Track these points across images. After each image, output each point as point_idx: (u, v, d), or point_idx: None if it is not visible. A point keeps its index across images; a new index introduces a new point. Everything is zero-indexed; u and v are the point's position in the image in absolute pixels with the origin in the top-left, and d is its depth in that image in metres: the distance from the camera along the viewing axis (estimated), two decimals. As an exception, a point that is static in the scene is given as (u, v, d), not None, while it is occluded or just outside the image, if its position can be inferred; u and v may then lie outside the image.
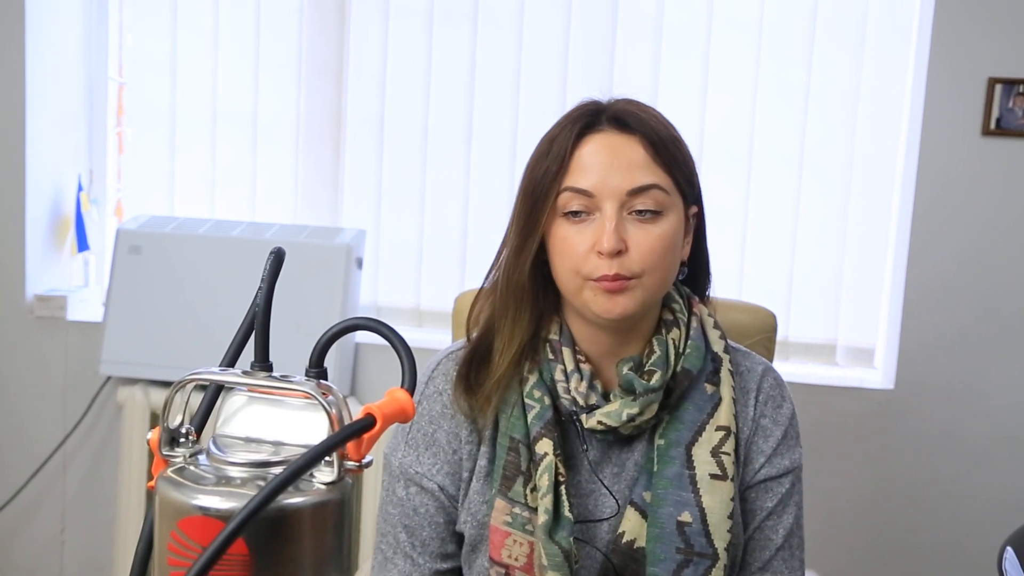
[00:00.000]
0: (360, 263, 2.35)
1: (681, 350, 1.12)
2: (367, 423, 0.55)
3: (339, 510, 0.56)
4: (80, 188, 2.54)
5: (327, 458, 0.56)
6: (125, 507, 2.40)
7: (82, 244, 2.55)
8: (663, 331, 1.13)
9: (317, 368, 0.61)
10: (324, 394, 0.57)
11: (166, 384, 2.37)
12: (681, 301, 1.15)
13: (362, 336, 2.39)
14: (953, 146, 2.13)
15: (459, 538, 1.15)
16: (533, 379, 1.12)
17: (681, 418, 1.11)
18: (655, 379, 1.09)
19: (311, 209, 2.50)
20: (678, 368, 1.11)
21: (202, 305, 2.34)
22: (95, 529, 2.55)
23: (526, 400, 1.11)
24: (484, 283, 1.17)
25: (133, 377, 2.40)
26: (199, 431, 0.62)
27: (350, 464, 0.57)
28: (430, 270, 2.43)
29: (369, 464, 0.57)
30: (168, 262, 2.36)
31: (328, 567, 0.56)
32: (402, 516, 1.15)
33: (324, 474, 0.56)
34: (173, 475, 0.56)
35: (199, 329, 2.32)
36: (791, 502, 1.16)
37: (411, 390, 0.59)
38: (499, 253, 1.15)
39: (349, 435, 0.55)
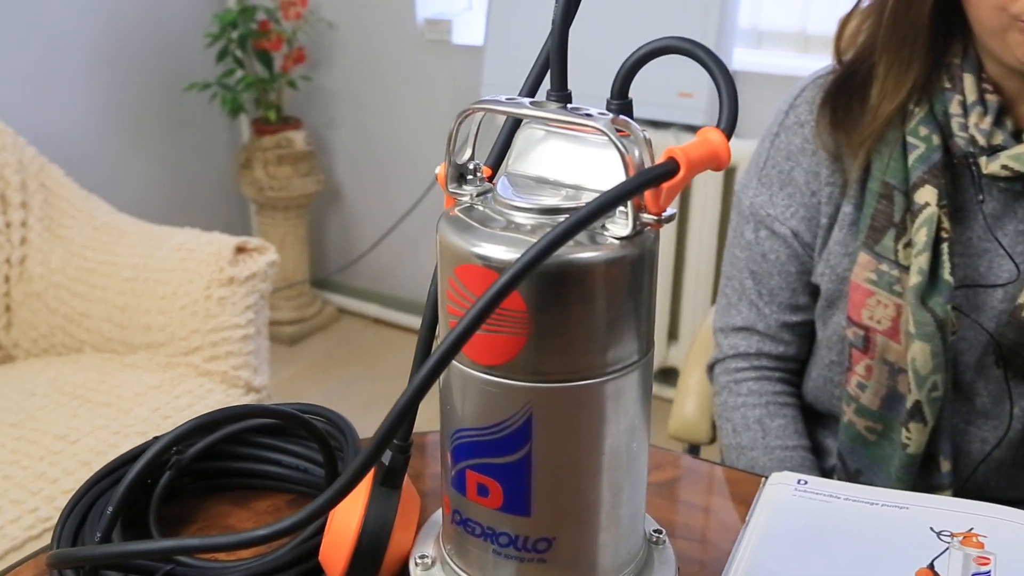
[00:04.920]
0: (742, -20, 2.13)
1: None
2: (667, 169, 0.45)
3: (635, 269, 0.48)
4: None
5: (621, 209, 0.48)
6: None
7: (463, -34, 2.55)
8: None
9: (619, 100, 0.51)
10: (620, 131, 0.47)
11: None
12: None
13: (741, 63, 2.21)
14: None
15: (812, 289, 1.03)
16: (921, 113, 0.93)
17: None
18: None
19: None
20: None
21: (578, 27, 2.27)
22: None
23: (908, 138, 0.93)
24: None
25: (511, 101, 2.43)
26: (495, 168, 0.55)
27: (647, 218, 0.47)
28: (821, -13, 2.15)
29: (671, 218, 0.48)
30: (543, -17, 2.30)
31: (620, 333, 0.49)
32: (749, 261, 1.05)
33: (618, 227, 0.48)
34: (456, 215, 0.50)
35: (577, 50, 2.27)
36: None
37: (728, 131, 0.47)
38: None
39: (644, 183, 0.45)
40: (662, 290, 2.39)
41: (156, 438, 0.64)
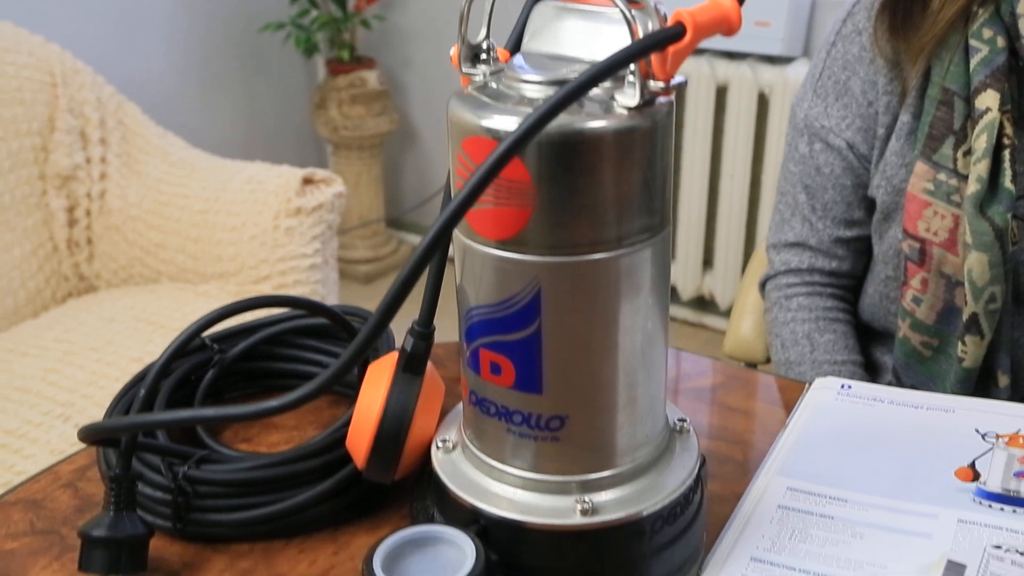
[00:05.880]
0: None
1: None
2: (672, 33, 0.44)
3: (645, 140, 0.47)
4: None
5: (630, 79, 0.47)
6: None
7: None
8: None
9: (634, -29, 0.49)
10: (631, 2, 0.46)
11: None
12: None
13: (821, -11, 2.14)
14: None
15: (868, 204, 1.00)
16: (985, 14, 0.88)
17: None
18: None
19: None
20: None
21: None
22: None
23: (971, 41, 0.88)
24: None
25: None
26: (514, 50, 0.55)
27: (655, 85, 0.46)
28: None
29: (680, 86, 0.47)
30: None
31: (628, 207, 0.48)
32: (803, 175, 1.02)
33: (627, 97, 0.47)
34: (467, 92, 0.50)
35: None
36: None
37: (740, -6, 0.46)
38: None
39: (648, 46, 0.44)
40: (736, 225, 2.35)
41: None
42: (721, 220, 2.37)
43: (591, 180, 0.46)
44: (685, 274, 2.47)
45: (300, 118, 2.97)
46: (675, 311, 2.58)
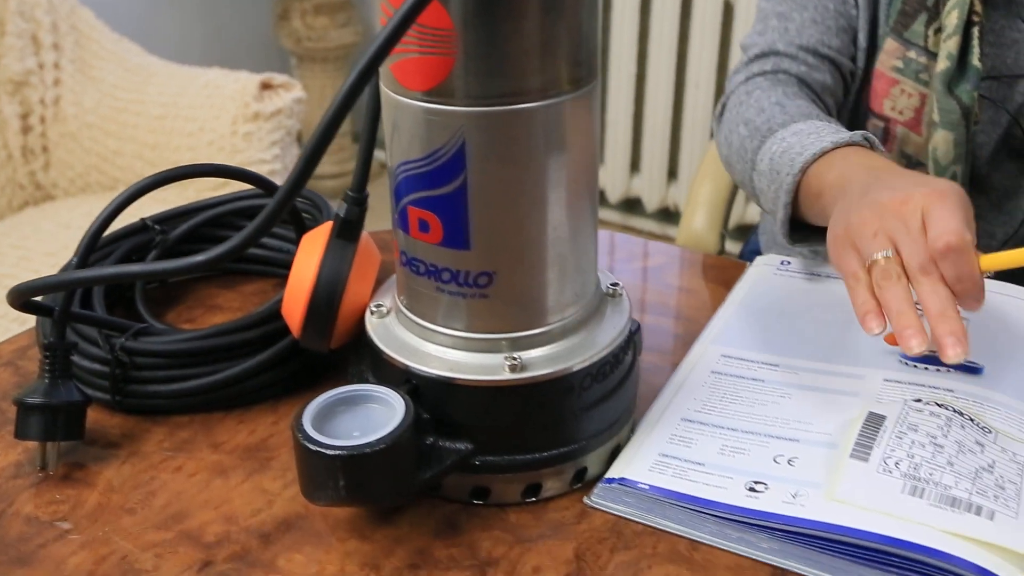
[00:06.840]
0: None
1: None
2: None
3: (569, -11, 0.47)
4: None
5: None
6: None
7: None
8: None
9: None
10: None
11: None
12: None
13: None
14: None
15: (845, 37, 0.93)
16: None
17: None
18: None
19: None
20: None
21: None
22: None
23: None
24: None
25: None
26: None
27: (577, -73, 0.46)
28: None
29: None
30: None
31: (552, 56, 0.47)
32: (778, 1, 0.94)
33: (550, -58, 0.46)
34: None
35: None
36: None
37: None
38: None
39: None
40: (701, 135, 2.34)
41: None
42: (685, 130, 2.36)
43: (514, 27, 0.46)
44: (650, 185, 2.46)
45: (262, 29, 2.91)
46: (638, 223, 2.59)
